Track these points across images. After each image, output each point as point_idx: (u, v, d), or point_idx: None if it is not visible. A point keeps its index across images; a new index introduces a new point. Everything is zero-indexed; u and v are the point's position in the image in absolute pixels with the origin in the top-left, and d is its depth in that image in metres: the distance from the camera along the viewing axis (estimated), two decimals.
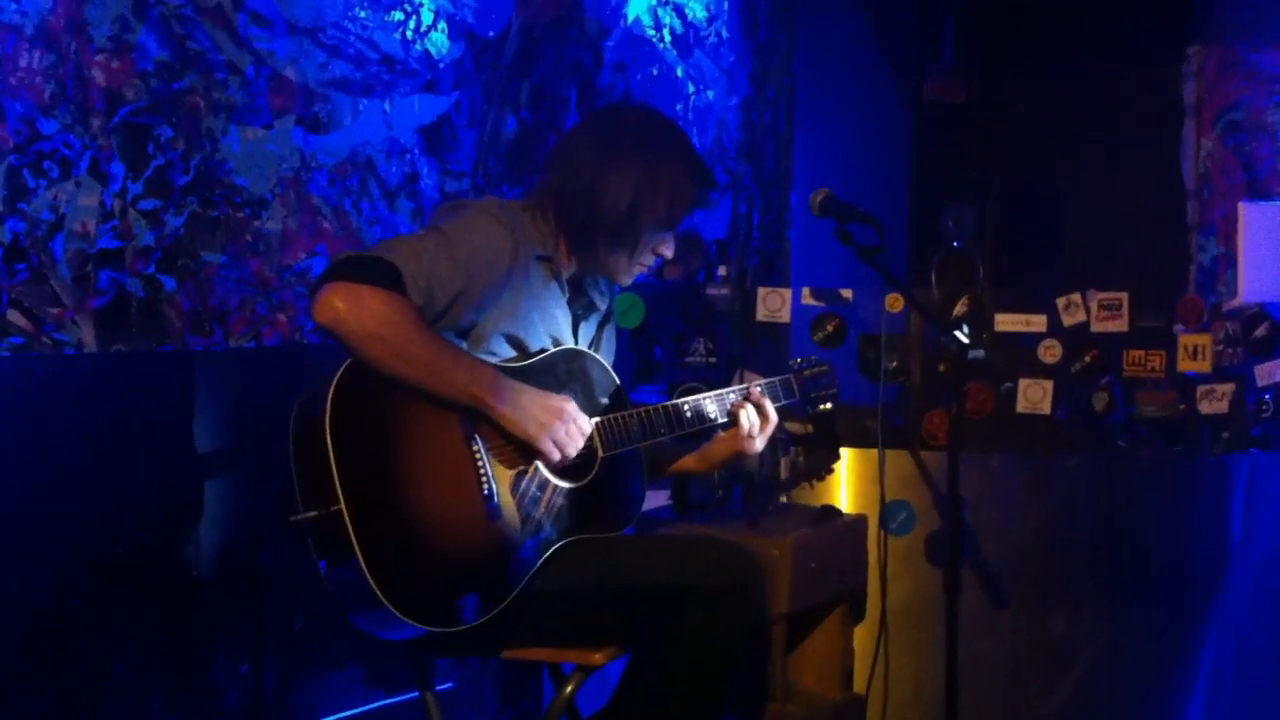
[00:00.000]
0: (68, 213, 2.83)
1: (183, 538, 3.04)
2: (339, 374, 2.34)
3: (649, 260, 2.79)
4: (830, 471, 3.53)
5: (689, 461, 2.99)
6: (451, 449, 2.46)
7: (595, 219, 2.68)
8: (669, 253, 2.81)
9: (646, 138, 2.73)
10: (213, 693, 3.09)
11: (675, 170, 2.72)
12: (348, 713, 3.37)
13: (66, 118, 2.83)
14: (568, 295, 2.78)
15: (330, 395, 2.31)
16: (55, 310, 2.81)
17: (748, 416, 2.86)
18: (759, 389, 2.92)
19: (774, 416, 2.90)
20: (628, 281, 2.84)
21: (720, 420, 2.87)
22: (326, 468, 2.28)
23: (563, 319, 2.76)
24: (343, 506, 2.27)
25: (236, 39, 3.14)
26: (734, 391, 2.91)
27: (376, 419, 2.38)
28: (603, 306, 2.90)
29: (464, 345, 2.57)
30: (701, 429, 2.86)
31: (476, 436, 2.49)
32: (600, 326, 2.92)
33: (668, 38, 4.70)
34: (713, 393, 2.87)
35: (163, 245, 3.00)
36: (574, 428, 2.57)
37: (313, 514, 2.31)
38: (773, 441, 3.40)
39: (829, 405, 3.17)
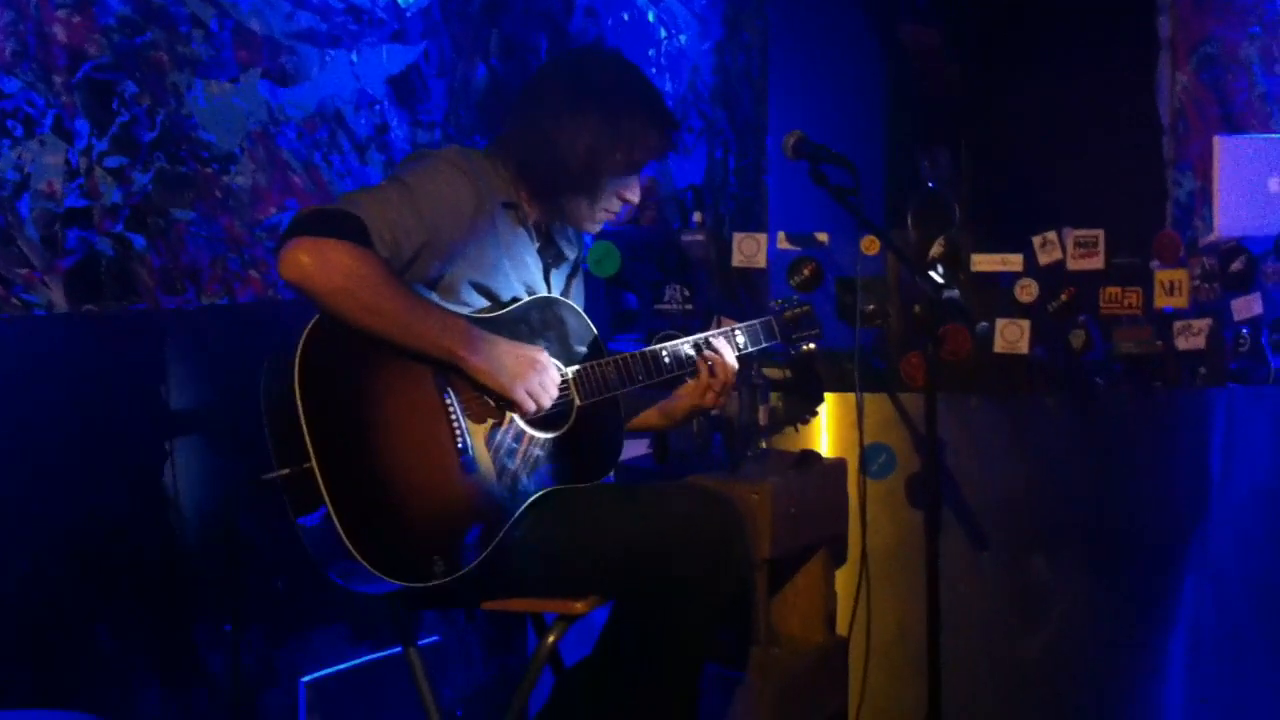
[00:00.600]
0: (33, 172, 2.80)
1: (160, 499, 3.02)
2: (307, 330, 2.32)
3: (615, 207, 2.77)
4: (813, 415, 3.53)
5: (651, 417, 2.97)
6: (424, 403, 2.44)
7: (554, 166, 2.66)
8: (634, 198, 2.79)
9: (607, 84, 2.71)
10: (197, 654, 3.09)
11: (636, 116, 2.70)
12: (333, 669, 3.37)
13: (28, 75, 2.79)
14: (538, 243, 2.76)
15: (299, 351, 2.29)
16: (24, 271, 2.79)
17: (707, 369, 2.84)
18: (720, 337, 2.90)
19: (732, 365, 2.87)
20: (594, 229, 2.83)
21: None
22: (296, 425, 2.27)
23: (534, 266, 2.74)
24: (314, 464, 2.26)
25: None
26: (714, 335, 2.89)
27: (346, 374, 2.37)
28: (571, 256, 2.89)
29: (434, 297, 2.55)
30: (680, 374, 2.84)
31: (449, 389, 2.47)
32: (569, 277, 2.90)
33: None
34: (690, 338, 2.86)
35: (131, 203, 2.97)
36: (548, 378, 2.56)
37: (285, 471, 2.30)
38: (752, 388, 3.40)
39: (812, 346, 3.16)
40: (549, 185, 2.69)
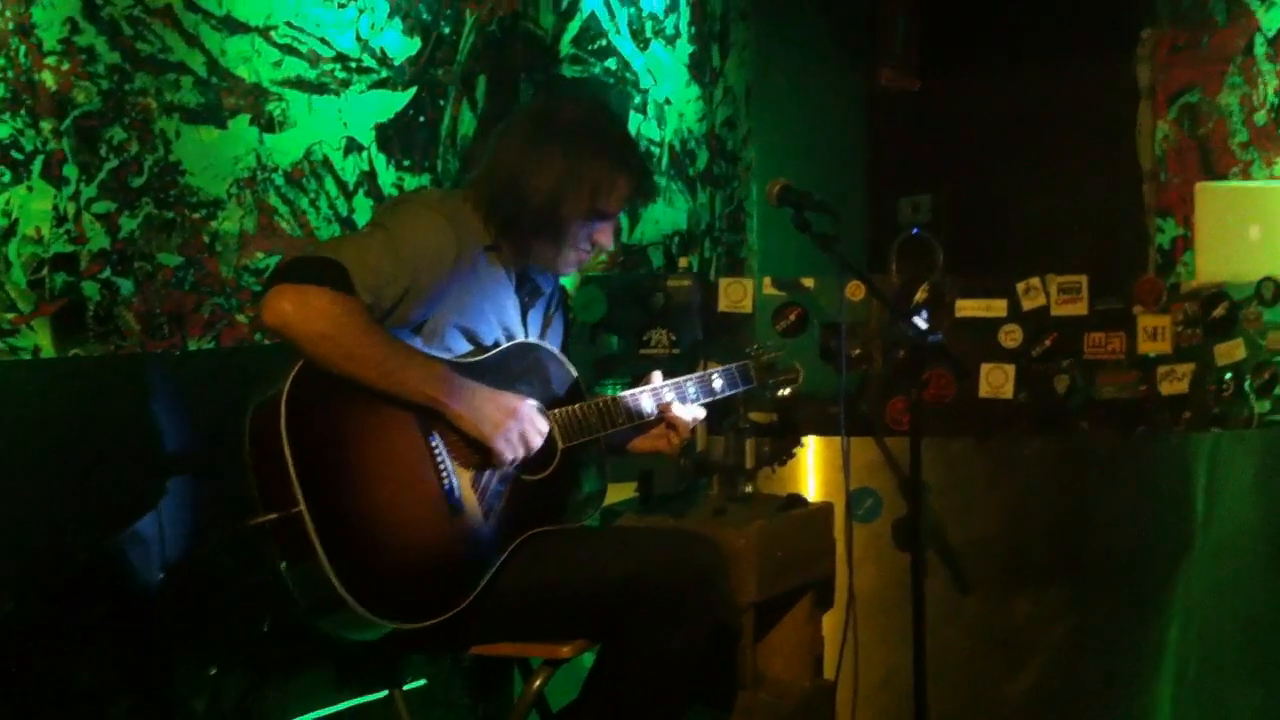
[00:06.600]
0: (21, 217, 2.81)
1: (144, 544, 3.01)
2: (293, 374, 2.33)
3: (586, 249, 2.77)
4: (790, 456, 3.53)
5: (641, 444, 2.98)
6: (410, 446, 2.45)
7: (517, 207, 2.66)
8: (607, 242, 2.78)
9: (574, 127, 2.70)
10: (178, 699, 3.07)
11: (601, 161, 2.68)
12: (317, 713, 3.35)
13: (17, 122, 2.80)
14: (514, 283, 2.77)
15: (284, 396, 2.30)
16: (11, 316, 2.79)
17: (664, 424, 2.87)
18: (692, 383, 2.91)
19: (686, 419, 2.88)
20: (567, 272, 2.83)
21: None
22: (284, 469, 2.27)
23: (513, 309, 2.75)
24: (302, 508, 2.26)
25: (188, 39, 3.12)
26: (691, 381, 2.91)
27: (333, 418, 2.37)
28: (546, 290, 2.89)
29: (418, 342, 2.55)
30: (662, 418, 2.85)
31: (434, 434, 2.48)
32: (547, 312, 2.91)
33: (625, 30, 4.70)
34: (670, 381, 2.87)
35: (118, 248, 2.98)
36: (529, 427, 2.56)
37: (273, 516, 2.29)
38: (738, 431, 3.41)
39: (788, 390, 3.18)
40: (513, 226, 2.69)
